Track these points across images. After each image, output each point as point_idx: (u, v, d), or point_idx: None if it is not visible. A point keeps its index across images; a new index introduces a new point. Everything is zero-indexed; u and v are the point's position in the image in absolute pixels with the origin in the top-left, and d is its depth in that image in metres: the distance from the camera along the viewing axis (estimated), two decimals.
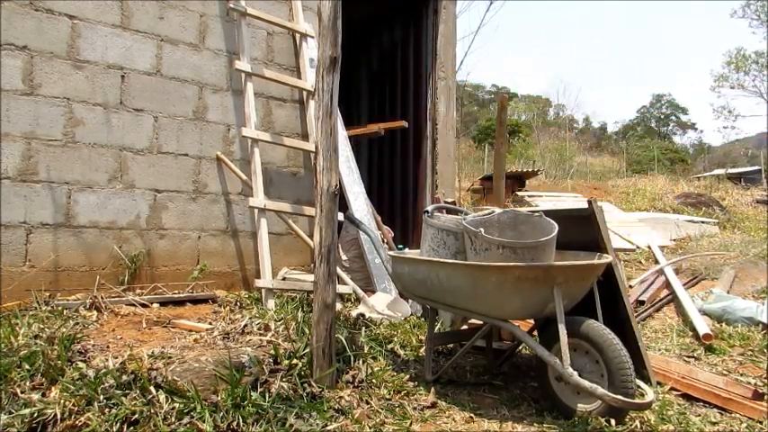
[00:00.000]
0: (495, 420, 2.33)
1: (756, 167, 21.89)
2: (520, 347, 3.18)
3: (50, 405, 1.97)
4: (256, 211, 3.99)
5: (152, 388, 2.08)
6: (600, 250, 2.74)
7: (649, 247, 6.89)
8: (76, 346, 2.52)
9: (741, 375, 3.04)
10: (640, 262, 6.44)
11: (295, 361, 2.46)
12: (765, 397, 2.60)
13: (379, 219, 4.75)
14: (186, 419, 1.99)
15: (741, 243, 7.16)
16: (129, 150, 3.82)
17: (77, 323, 2.96)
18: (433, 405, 2.45)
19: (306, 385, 2.36)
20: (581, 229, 2.77)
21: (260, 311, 3.37)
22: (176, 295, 3.77)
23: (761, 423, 2.41)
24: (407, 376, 2.71)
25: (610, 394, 2.14)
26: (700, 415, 2.46)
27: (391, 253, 3.01)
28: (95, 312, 3.25)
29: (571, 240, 2.73)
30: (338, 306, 3.48)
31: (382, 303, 3.89)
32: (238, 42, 4.23)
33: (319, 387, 2.38)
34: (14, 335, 2.49)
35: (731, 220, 10.38)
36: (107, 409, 1.98)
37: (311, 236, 4.27)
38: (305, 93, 4.58)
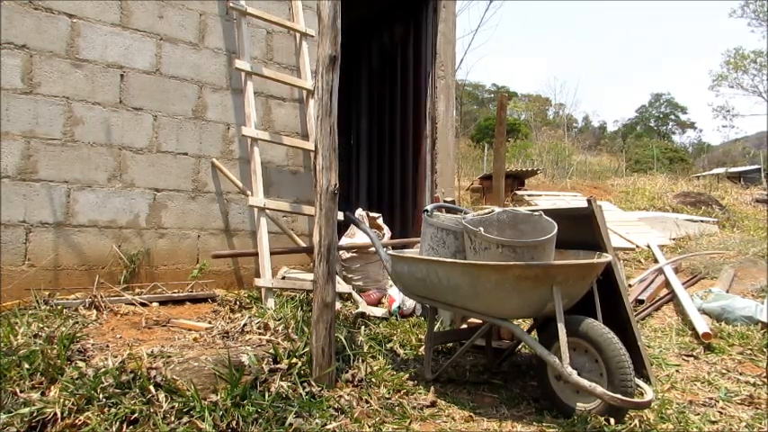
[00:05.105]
0: (494, 419, 2.33)
1: (756, 166, 21.92)
2: (519, 346, 3.18)
3: (50, 404, 1.97)
4: (256, 210, 3.99)
5: (151, 387, 2.08)
6: (599, 249, 2.74)
7: (649, 246, 6.90)
8: (76, 346, 2.52)
9: (740, 374, 3.04)
10: (640, 261, 6.44)
11: (295, 360, 2.47)
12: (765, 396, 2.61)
13: (379, 218, 4.74)
14: (186, 418, 1.99)
15: (740, 242, 7.17)
16: (128, 149, 3.82)
17: (77, 322, 2.96)
18: (433, 404, 2.45)
19: (305, 384, 2.36)
20: (581, 229, 2.77)
21: (259, 311, 3.37)
22: (176, 294, 3.76)
23: (760, 422, 2.41)
24: (407, 375, 2.71)
25: (609, 393, 2.14)
26: (699, 414, 2.46)
27: (392, 252, 3.01)
28: (95, 311, 3.25)
29: (571, 239, 2.73)
30: (338, 305, 3.48)
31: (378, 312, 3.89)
32: (238, 41, 4.22)
33: (319, 386, 2.38)
34: (14, 334, 2.49)
35: (731, 219, 10.39)
36: (106, 409, 1.98)
37: (311, 235, 4.28)
38: (305, 92, 4.58)
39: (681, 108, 46.68)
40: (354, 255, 4.41)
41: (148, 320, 3.20)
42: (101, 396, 2.02)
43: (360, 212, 4.50)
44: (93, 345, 2.64)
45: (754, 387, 2.85)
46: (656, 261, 6.08)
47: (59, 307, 3.15)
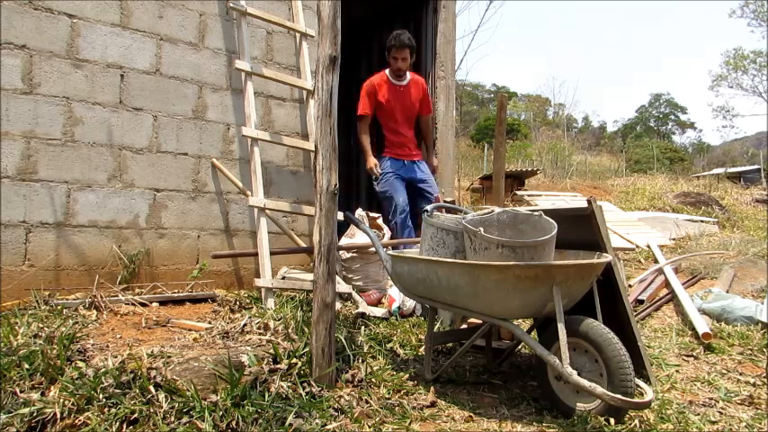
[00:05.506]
0: (494, 419, 2.33)
1: (755, 166, 21.93)
2: (519, 346, 3.18)
3: (50, 404, 1.97)
4: (256, 210, 3.99)
5: (151, 387, 2.07)
6: (599, 249, 2.74)
7: (649, 247, 6.90)
8: (76, 346, 2.52)
9: (740, 375, 3.04)
10: (640, 261, 6.44)
11: (294, 360, 2.47)
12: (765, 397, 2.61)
13: (379, 218, 4.74)
14: (185, 419, 1.99)
15: (740, 242, 7.17)
16: (128, 149, 3.82)
17: (77, 322, 2.96)
18: (433, 404, 2.45)
19: (305, 384, 2.36)
20: (580, 229, 2.77)
21: (259, 311, 3.37)
22: (176, 294, 3.76)
23: (760, 422, 2.41)
24: (407, 375, 2.71)
25: (609, 393, 2.14)
26: (699, 414, 2.46)
27: (392, 252, 3.01)
28: (95, 311, 3.25)
29: (571, 239, 2.73)
30: (338, 305, 3.48)
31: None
32: (238, 41, 4.23)
33: (319, 386, 2.38)
34: (14, 334, 2.49)
35: (730, 219, 10.39)
36: (106, 409, 1.98)
37: (311, 235, 4.28)
38: (305, 92, 4.58)
39: (681, 108, 46.75)
40: (354, 255, 4.41)
41: (148, 320, 3.20)
42: (101, 396, 2.02)
43: (360, 212, 4.50)
44: (93, 345, 2.64)
45: (754, 387, 2.85)
46: (656, 261, 6.08)
47: (59, 307, 3.15)
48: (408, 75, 4.94)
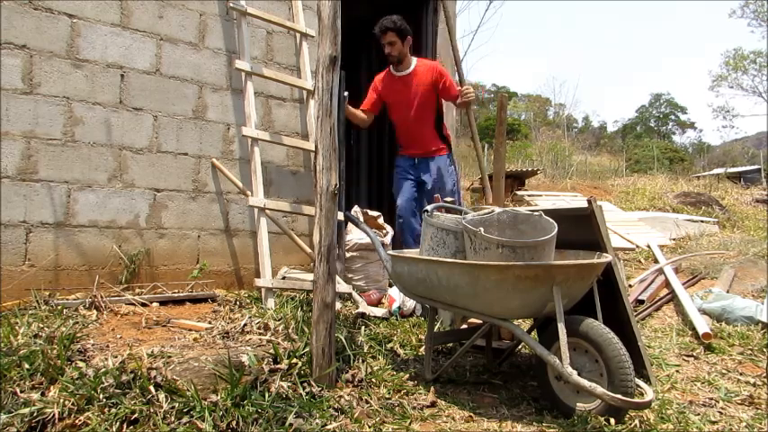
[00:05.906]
0: (494, 419, 2.33)
1: (756, 167, 21.94)
2: (519, 346, 3.18)
3: (50, 404, 1.97)
4: (256, 210, 3.99)
5: (152, 387, 2.07)
6: (600, 249, 2.74)
7: (649, 247, 6.90)
8: (76, 346, 2.52)
9: (740, 375, 3.04)
10: (640, 261, 6.45)
11: (295, 360, 2.47)
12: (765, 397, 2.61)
13: (379, 217, 4.74)
14: (186, 419, 1.99)
15: (741, 242, 7.17)
16: (128, 149, 3.82)
17: (77, 322, 2.96)
18: (433, 404, 2.45)
19: (305, 384, 2.36)
20: (581, 229, 2.77)
21: (260, 311, 3.37)
22: (176, 294, 3.76)
23: (760, 422, 2.41)
24: (407, 375, 2.71)
25: (609, 393, 2.14)
26: (699, 414, 2.46)
27: (391, 252, 3.01)
28: (95, 311, 3.25)
29: (571, 239, 2.73)
30: (338, 305, 3.48)
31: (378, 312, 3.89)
32: (238, 41, 4.22)
33: (319, 386, 2.39)
34: (14, 334, 2.49)
35: (731, 219, 10.40)
36: (107, 409, 1.98)
37: (311, 235, 4.28)
38: (305, 92, 4.58)
39: (681, 108, 46.73)
40: (355, 254, 4.41)
41: (148, 320, 3.20)
42: (101, 396, 2.02)
43: (356, 209, 4.49)
44: (93, 345, 2.64)
45: (754, 387, 2.85)
46: (656, 261, 6.08)
47: (59, 307, 3.15)
48: (414, 62, 4.49)
